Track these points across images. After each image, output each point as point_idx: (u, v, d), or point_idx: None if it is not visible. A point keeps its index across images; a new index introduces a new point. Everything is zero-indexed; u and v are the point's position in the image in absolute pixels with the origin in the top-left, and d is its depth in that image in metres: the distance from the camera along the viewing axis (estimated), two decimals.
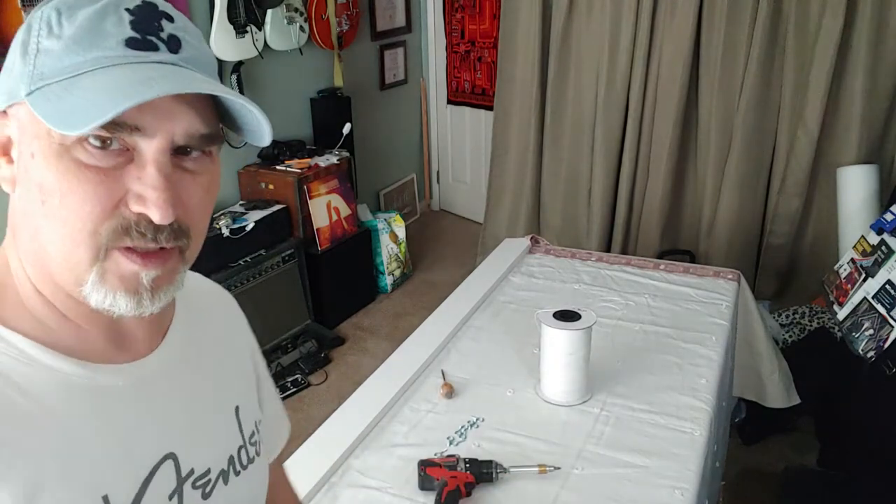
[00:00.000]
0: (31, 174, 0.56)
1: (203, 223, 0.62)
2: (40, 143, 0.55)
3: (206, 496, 0.67)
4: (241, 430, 0.73)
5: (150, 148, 0.55)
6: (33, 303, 0.59)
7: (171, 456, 0.64)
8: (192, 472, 0.65)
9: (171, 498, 0.63)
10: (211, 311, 0.78)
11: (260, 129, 0.61)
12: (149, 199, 0.55)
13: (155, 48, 0.57)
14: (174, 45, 0.58)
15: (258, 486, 0.77)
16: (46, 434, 0.55)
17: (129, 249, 0.56)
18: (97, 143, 0.54)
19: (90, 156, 0.54)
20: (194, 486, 0.66)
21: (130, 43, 0.56)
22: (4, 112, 0.58)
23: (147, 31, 0.57)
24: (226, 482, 0.69)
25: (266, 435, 0.82)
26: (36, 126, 0.55)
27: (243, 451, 0.73)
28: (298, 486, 1.36)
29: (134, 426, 0.62)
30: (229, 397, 0.74)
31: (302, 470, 1.41)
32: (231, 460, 0.71)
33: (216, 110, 0.60)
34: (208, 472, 0.67)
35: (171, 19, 0.59)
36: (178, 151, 0.58)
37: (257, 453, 0.76)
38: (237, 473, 0.71)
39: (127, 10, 0.57)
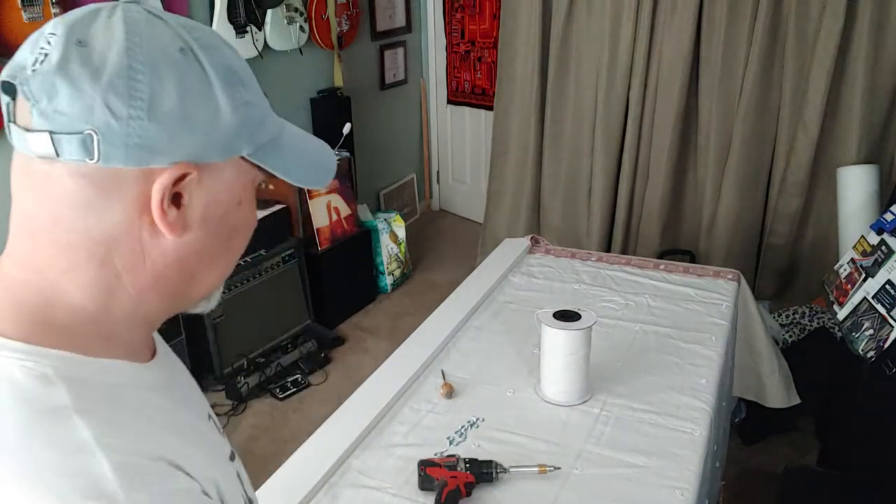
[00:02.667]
0: (230, 219, 0.61)
1: None
2: (247, 191, 0.62)
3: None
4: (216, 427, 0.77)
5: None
6: (116, 326, 0.59)
7: (210, 416, 0.70)
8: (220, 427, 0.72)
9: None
10: None
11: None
12: (255, 214, 0.66)
13: None
14: None
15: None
16: (171, 422, 0.60)
17: None
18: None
19: (258, 192, 0.64)
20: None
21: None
22: (194, 167, 0.56)
23: None
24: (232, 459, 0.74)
25: None
26: (245, 176, 0.61)
27: (226, 440, 0.77)
28: (298, 487, 1.36)
29: (192, 403, 0.68)
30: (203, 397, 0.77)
31: (302, 470, 1.41)
32: (231, 455, 0.74)
33: None
34: (233, 454, 0.72)
35: None
36: None
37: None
38: (233, 459, 0.75)
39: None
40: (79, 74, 0.51)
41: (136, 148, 0.53)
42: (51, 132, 0.52)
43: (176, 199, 0.56)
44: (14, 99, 0.53)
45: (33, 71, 0.52)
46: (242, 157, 0.59)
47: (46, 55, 0.52)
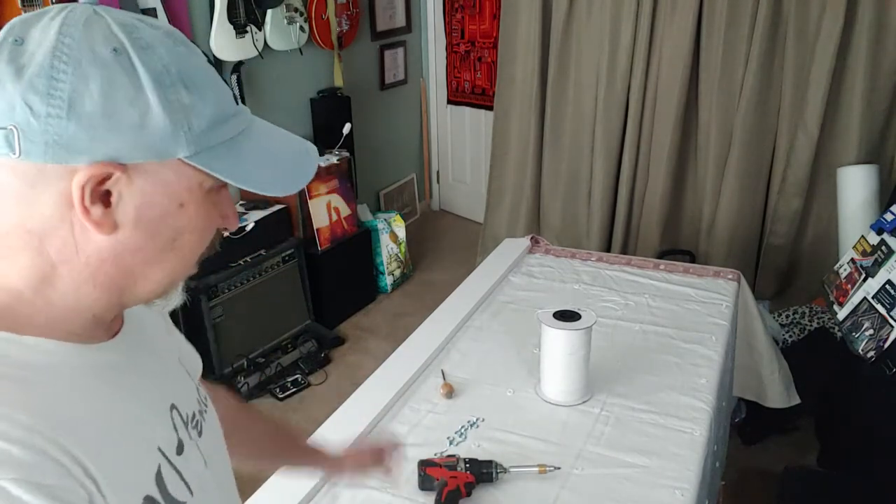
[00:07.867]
0: (171, 221, 0.60)
1: None
2: (192, 194, 0.60)
3: (200, 434, 0.73)
4: (188, 374, 0.79)
5: None
6: (56, 311, 0.60)
7: (174, 406, 0.69)
8: (187, 416, 0.71)
9: (190, 439, 0.70)
10: None
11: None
12: (231, 216, 0.66)
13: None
14: None
15: (216, 415, 0.84)
16: (95, 407, 0.59)
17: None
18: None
19: (220, 197, 0.63)
20: (192, 428, 0.72)
21: (235, 98, 0.62)
22: (118, 167, 0.56)
23: None
24: (204, 419, 0.76)
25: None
26: (187, 180, 0.59)
27: (199, 389, 0.80)
28: (298, 487, 1.36)
29: (143, 389, 0.67)
30: (172, 348, 0.79)
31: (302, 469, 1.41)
32: (199, 401, 0.77)
33: None
34: (195, 413, 0.74)
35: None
36: None
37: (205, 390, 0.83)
38: (206, 409, 0.78)
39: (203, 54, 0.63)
40: (3, 72, 0.53)
41: (54, 146, 0.54)
42: None
43: (105, 198, 0.57)
44: None
45: None
46: (182, 160, 0.58)
47: None
